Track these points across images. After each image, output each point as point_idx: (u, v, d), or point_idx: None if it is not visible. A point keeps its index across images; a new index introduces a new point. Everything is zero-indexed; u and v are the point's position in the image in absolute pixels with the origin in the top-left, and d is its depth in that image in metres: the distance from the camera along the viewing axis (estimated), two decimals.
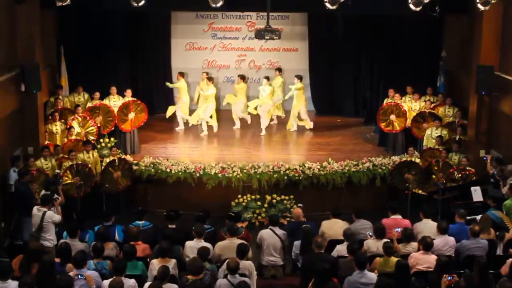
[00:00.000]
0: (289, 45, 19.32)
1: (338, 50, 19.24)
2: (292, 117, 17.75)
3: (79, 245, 9.48)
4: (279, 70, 18.23)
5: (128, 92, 16.35)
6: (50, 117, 15.05)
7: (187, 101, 17.75)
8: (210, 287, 8.47)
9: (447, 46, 17.34)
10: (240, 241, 9.64)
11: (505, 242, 10.03)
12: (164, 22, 19.12)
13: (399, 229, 10.08)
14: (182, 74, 17.77)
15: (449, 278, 7.93)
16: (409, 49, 18.10)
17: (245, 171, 14.23)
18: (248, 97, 18.09)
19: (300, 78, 17.53)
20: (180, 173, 14.25)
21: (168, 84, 18.05)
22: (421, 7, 12.64)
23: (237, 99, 17.83)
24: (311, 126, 17.83)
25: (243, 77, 17.94)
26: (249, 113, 17.90)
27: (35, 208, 10.63)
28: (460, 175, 13.52)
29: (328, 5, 12.44)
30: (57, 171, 13.07)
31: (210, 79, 17.57)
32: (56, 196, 11.34)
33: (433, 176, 13.79)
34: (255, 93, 18.19)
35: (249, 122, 18.00)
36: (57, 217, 10.68)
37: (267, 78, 17.69)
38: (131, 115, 15.68)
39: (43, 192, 11.59)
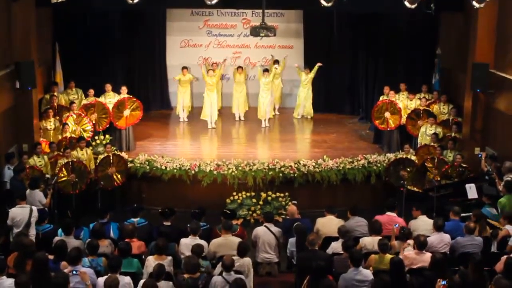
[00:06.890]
0: (284, 42, 19.30)
1: (333, 47, 19.23)
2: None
3: (74, 242, 9.47)
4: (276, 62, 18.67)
5: (124, 89, 16.28)
6: (43, 114, 15.03)
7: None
8: (206, 285, 8.47)
9: (442, 44, 17.33)
10: (235, 238, 9.67)
11: (499, 239, 10.04)
12: (159, 19, 19.08)
13: (397, 225, 10.11)
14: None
15: (443, 283, 7.91)
16: (404, 46, 18.11)
17: (240, 168, 14.21)
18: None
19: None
20: (175, 170, 14.21)
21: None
22: (416, 4, 12.62)
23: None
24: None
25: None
26: None
27: (17, 208, 10.56)
28: (455, 172, 13.53)
29: (323, 2, 12.46)
30: (47, 175, 12.95)
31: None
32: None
33: (428, 173, 13.81)
34: (252, 89, 18.46)
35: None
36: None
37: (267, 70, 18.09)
38: (126, 112, 15.64)
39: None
